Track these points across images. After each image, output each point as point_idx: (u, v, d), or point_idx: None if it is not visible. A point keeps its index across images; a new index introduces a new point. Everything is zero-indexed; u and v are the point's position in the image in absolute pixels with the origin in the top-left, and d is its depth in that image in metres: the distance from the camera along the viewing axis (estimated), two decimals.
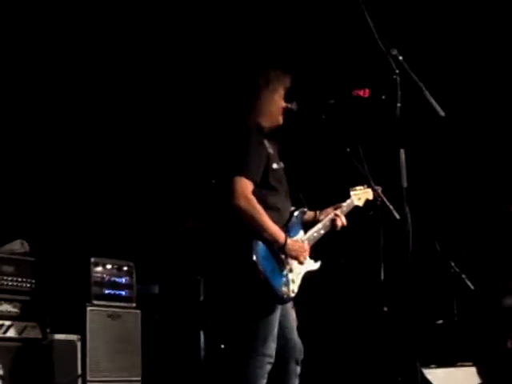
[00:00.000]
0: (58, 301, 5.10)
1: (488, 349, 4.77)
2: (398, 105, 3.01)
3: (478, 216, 5.92)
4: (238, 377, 3.59)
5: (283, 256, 3.67)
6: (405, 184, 2.98)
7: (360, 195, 4.14)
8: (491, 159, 5.95)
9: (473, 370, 4.77)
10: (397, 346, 4.69)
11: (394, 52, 3.04)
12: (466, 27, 5.74)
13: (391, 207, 3.94)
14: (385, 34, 3.05)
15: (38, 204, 5.73)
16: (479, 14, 5.68)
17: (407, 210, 2.96)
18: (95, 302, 5.21)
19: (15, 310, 4.87)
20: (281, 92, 3.83)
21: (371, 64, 3.34)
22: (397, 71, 3.04)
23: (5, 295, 4.83)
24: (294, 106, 3.84)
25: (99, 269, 5.33)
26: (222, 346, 5.30)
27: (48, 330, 4.95)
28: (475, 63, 5.85)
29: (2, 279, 4.84)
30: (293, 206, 3.90)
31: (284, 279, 3.67)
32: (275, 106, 3.82)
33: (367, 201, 4.13)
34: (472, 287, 5.10)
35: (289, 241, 3.66)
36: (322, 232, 3.92)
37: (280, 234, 3.64)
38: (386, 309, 3.97)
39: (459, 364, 4.87)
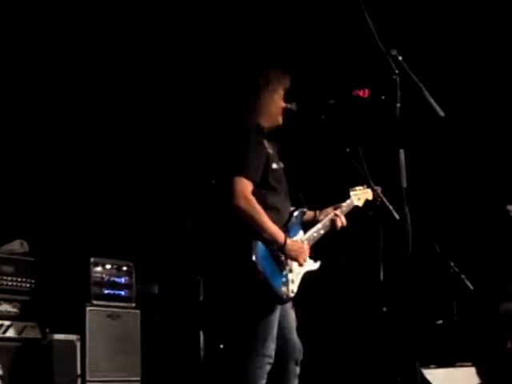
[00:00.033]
0: (57, 301, 5.10)
1: (487, 349, 4.77)
2: (398, 105, 3.01)
3: (477, 216, 5.92)
4: (238, 377, 3.59)
5: (283, 256, 3.67)
6: (404, 184, 2.99)
7: (360, 195, 4.14)
8: (491, 160, 5.95)
9: (472, 370, 4.77)
10: (396, 346, 4.69)
11: (394, 52, 3.04)
12: (465, 27, 5.74)
13: (391, 207, 3.94)
14: (384, 35, 3.05)
15: (38, 204, 5.73)
16: (479, 13, 5.68)
17: (407, 210, 2.96)
18: (95, 302, 5.21)
19: (15, 309, 4.87)
20: (280, 92, 3.83)
21: (371, 64, 3.34)
22: (396, 71, 3.04)
23: (4, 295, 4.83)
24: (293, 106, 3.84)
25: (99, 269, 5.33)
26: (221, 346, 5.30)
27: (47, 330, 4.95)
28: (475, 63, 5.85)
29: (2, 279, 4.84)
30: (292, 206, 3.90)
31: (283, 279, 3.67)
32: (275, 106, 3.82)
33: (367, 201, 4.13)
34: (471, 287, 5.10)
35: (288, 241, 3.66)
36: (322, 232, 3.92)
37: (280, 235, 3.64)
38: (385, 309, 3.97)
39: (459, 364, 4.87)
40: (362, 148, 3.76)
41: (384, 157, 3.23)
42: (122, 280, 5.44)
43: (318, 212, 4.02)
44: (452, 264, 5.15)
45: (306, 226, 3.93)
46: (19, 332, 4.83)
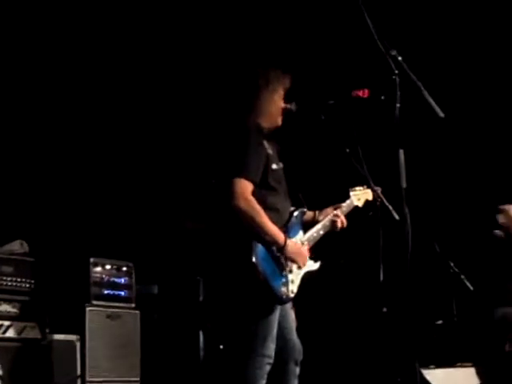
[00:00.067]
0: (57, 301, 5.10)
1: (486, 351, 4.77)
2: (397, 105, 3.01)
3: (477, 216, 5.92)
4: (238, 377, 3.59)
5: (283, 257, 3.67)
6: (404, 184, 2.99)
7: (360, 195, 4.14)
8: (491, 160, 5.95)
9: (472, 370, 4.77)
10: (396, 346, 4.69)
11: (393, 52, 3.04)
12: (465, 27, 5.74)
13: (390, 208, 3.94)
14: (384, 35, 3.05)
15: (38, 204, 5.73)
16: (479, 14, 5.68)
17: (406, 210, 2.96)
18: (94, 303, 5.21)
19: (14, 310, 4.87)
20: (280, 92, 3.83)
21: (370, 64, 3.34)
22: (396, 72, 3.04)
23: (4, 295, 4.83)
24: (293, 106, 3.84)
25: (98, 269, 5.33)
26: (221, 347, 5.30)
27: (47, 331, 4.95)
28: (475, 64, 5.85)
29: (2, 279, 4.84)
30: (292, 206, 3.90)
31: (283, 280, 3.67)
32: (275, 106, 3.82)
33: (367, 201, 4.13)
34: (471, 288, 5.09)
35: (288, 242, 3.66)
36: (322, 232, 3.92)
37: (280, 236, 3.64)
38: (385, 309, 3.97)
39: (458, 364, 4.87)
40: (361, 148, 3.76)
41: (384, 157, 3.23)
42: (122, 280, 5.44)
43: (317, 212, 4.02)
44: (452, 264, 5.15)
45: (306, 226, 3.93)
46: (19, 332, 4.83)
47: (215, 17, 5.87)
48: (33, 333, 4.89)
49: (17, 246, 5.11)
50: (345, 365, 6.15)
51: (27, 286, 4.95)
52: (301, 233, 3.86)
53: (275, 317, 3.63)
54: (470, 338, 5.11)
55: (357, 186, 4.14)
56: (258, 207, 3.57)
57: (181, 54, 6.07)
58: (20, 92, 5.67)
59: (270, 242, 3.60)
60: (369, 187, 4.07)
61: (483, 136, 5.95)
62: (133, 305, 5.45)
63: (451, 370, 4.81)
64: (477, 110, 5.93)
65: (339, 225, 3.97)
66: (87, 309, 5.14)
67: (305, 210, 3.96)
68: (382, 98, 3.36)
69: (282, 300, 3.66)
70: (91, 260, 5.29)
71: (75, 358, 5.02)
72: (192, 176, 5.96)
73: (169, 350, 5.63)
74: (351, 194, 4.13)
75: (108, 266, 5.38)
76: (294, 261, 3.69)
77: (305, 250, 3.78)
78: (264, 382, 3.60)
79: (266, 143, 3.75)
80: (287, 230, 3.75)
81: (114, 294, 5.36)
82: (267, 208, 3.63)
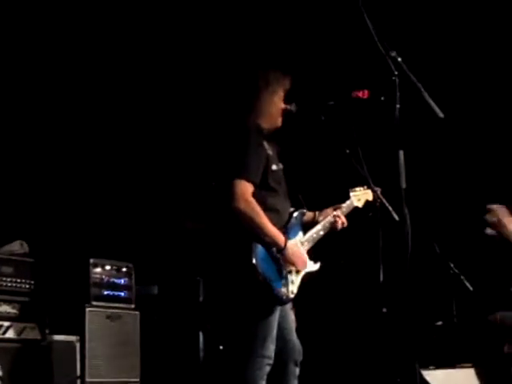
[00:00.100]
0: (57, 302, 5.09)
1: (485, 353, 4.76)
2: (397, 106, 3.01)
3: (477, 217, 5.91)
4: (237, 378, 3.59)
5: (282, 258, 3.66)
6: (404, 185, 2.99)
7: (360, 196, 4.14)
8: (491, 161, 5.95)
9: (472, 371, 4.77)
10: (396, 347, 4.69)
11: (393, 53, 3.04)
12: (465, 29, 5.75)
13: (390, 208, 3.95)
14: (384, 36, 3.05)
15: (38, 205, 5.73)
16: (478, 15, 5.69)
17: (406, 211, 2.96)
18: (94, 303, 5.21)
19: (14, 310, 4.86)
20: (280, 93, 3.83)
21: (370, 65, 3.34)
22: (396, 72, 3.04)
23: (4, 296, 4.82)
24: (293, 107, 3.85)
25: (98, 270, 5.32)
26: (221, 347, 5.30)
27: (47, 331, 4.95)
28: (474, 64, 5.85)
29: (1, 280, 4.84)
30: (292, 207, 3.90)
31: (283, 280, 3.67)
32: (275, 107, 3.83)
33: (367, 202, 4.13)
34: (471, 288, 5.09)
35: (289, 245, 3.66)
36: (322, 233, 3.93)
37: (280, 237, 3.64)
38: (385, 310, 3.97)
39: (458, 365, 4.87)
40: (361, 149, 3.77)
41: (383, 158, 3.23)
42: (122, 281, 5.44)
43: (317, 213, 4.02)
44: (452, 265, 5.15)
45: (306, 226, 3.93)
46: (19, 333, 4.83)
47: (215, 18, 5.87)
48: (32, 333, 4.89)
49: (17, 247, 5.11)
50: (345, 365, 6.15)
51: (27, 286, 4.95)
52: (300, 233, 3.86)
53: (275, 317, 3.63)
54: (469, 339, 5.11)
55: (357, 186, 4.14)
56: (258, 209, 3.57)
57: (181, 54, 6.07)
58: (20, 92, 5.67)
59: (269, 244, 3.61)
60: (369, 187, 4.07)
61: (483, 137, 5.95)
62: (132, 305, 5.45)
63: (451, 371, 4.81)
64: (476, 111, 5.93)
65: (339, 225, 3.98)
66: (87, 309, 5.14)
67: (304, 210, 3.96)
68: (382, 98, 3.36)
69: (281, 301, 3.66)
70: (91, 261, 5.29)
71: (75, 358, 5.02)
72: (192, 176, 5.96)
73: (169, 351, 5.62)
74: (351, 194, 4.13)
75: (108, 267, 5.38)
76: (292, 264, 3.68)
77: (305, 254, 3.78)
78: (264, 382, 3.61)
79: (266, 144, 3.75)
80: (287, 231, 3.75)
81: (113, 294, 5.36)
82: (267, 209, 3.63)
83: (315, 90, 4.66)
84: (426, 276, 5.23)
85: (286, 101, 3.84)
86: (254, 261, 3.54)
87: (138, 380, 5.31)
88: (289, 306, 3.81)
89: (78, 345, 5.04)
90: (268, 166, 3.71)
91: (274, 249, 3.63)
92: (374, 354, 5.67)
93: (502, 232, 3.89)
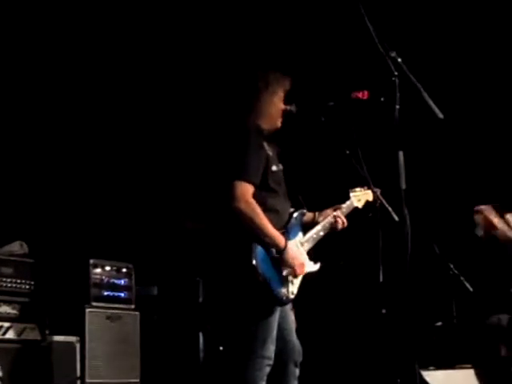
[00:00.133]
0: (57, 302, 5.10)
1: (483, 355, 4.76)
2: (397, 107, 3.01)
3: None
4: (237, 379, 3.59)
5: (282, 259, 3.66)
6: (403, 186, 2.99)
7: (360, 196, 4.14)
8: (490, 161, 5.95)
9: (472, 372, 4.76)
10: (396, 348, 4.68)
11: (393, 54, 3.04)
12: (465, 30, 5.75)
13: (390, 209, 3.95)
14: (383, 37, 3.06)
15: (38, 205, 5.73)
16: (478, 16, 5.69)
17: (406, 211, 2.96)
18: (94, 304, 5.21)
19: (14, 311, 4.87)
20: (280, 94, 3.83)
21: (370, 66, 3.34)
22: (395, 73, 3.04)
23: (4, 297, 4.83)
24: (293, 108, 3.85)
25: (98, 270, 5.33)
26: (221, 348, 5.30)
27: (47, 332, 4.95)
28: (474, 65, 5.85)
29: (1, 281, 4.84)
30: (292, 207, 3.90)
31: (283, 281, 3.67)
32: (275, 108, 3.83)
33: (367, 202, 4.13)
34: (471, 289, 5.09)
35: (289, 246, 3.65)
36: (322, 234, 3.93)
37: (280, 238, 3.64)
38: (384, 311, 3.97)
39: (458, 366, 4.87)
40: (361, 150, 3.77)
41: (383, 158, 3.23)
42: (122, 282, 5.44)
43: (317, 213, 4.02)
44: (451, 266, 5.15)
45: (306, 227, 3.93)
46: (19, 334, 4.83)
47: (216, 19, 5.87)
48: (32, 334, 4.89)
49: (16, 247, 5.11)
50: (344, 366, 6.15)
51: (27, 287, 4.95)
52: (300, 234, 3.86)
53: (275, 318, 3.63)
54: (469, 340, 5.11)
55: (357, 186, 4.14)
56: (258, 210, 3.57)
57: (181, 55, 6.07)
58: (20, 92, 5.67)
59: (269, 244, 3.60)
60: (369, 188, 4.07)
61: (483, 137, 5.96)
62: (132, 306, 5.45)
63: (451, 372, 4.81)
64: (476, 112, 5.93)
65: (339, 225, 3.97)
66: (87, 310, 5.14)
67: (304, 211, 3.96)
68: (382, 99, 3.36)
69: (281, 301, 3.66)
70: (91, 261, 5.29)
71: (75, 359, 5.02)
72: (192, 177, 5.96)
73: (169, 352, 5.62)
74: (351, 194, 4.13)
75: (108, 268, 5.38)
76: (290, 268, 3.67)
77: (305, 256, 3.78)
78: (264, 383, 3.60)
79: (265, 145, 3.75)
80: (287, 232, 3.75)
81: (113, 295, 5.36)
82: (267, 209, 3.64)
83: (315, 90, 4.67)
84: (425, 277, 5.23)
85: (286, 102, 3.84)
86: (253, 261, 3.54)
87: (137, 381, 5.31)
88: (289, 306, 3.81)
89: (77, 345, 5.04)
90: (268, 167, 3.71)
91: (274, 250, 3.62)
92: (373, 354, 5.67)
93: (492, 233, 3.88)
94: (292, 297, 3.72)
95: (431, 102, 3.08)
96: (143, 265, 5.67)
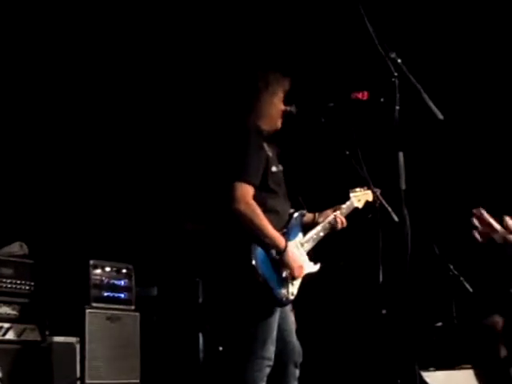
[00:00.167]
0: (56, 303, 5.10)
1: (483, 356, 4.76)
2: (397, 107, 3.01)
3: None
4: (237, 380, 3.59)
5: (281, 260, 3.66)
6: (403, 186, 2.99)
7: (360, 197, 4.14)
8: (490, 162, 5.95)
9: (472, 372, 4.76)
10: (396, 348, 4.68)
11: (393, 55, 3.04)
12: (464, 30, 5.75)
13: (390, 210, 3.95)
14: (383, 37, 3.06)
15: (37, 206, 5.73)
16: (478, 17, 5.69)
17: (406, 212, 2.96)
18: (94, 305, 5.21)
19: (14, 312, 4.87)
20: (280, 95, 3.83)
21: (370, 67, 3.34)
22: (395, 74, 3.04)
23: (4, 297, 4.83)
24: (293, 108, 3.85)
25: (98, 271, 5.33)
26: (221, 349, 5.30)
27: (47, 333, 4.95)
28: (474, 66, 5.85)
29: (1, 281, 4.84)
30: (292, 208, 3.90)
31: (283, 282, 3.67)
32: (275, 108, 3.83)
33: (367, 202, 4.13)
34: (471, 290, 5.09)
35: (289, 248, 3.65)
36: (322, 234, 3.93)
37: (280, 239, 3.63)
38: (384, 311, 3.97)
39: (458, 367, 4.87)
40: (361, 150, 3.77)
41: (383, 159, 3.24)
42: (122, 282, 5.44)
43: (317, 214, 4.02)
44: (451, 266, 5.15)
45: (306, 228, 3.93)
46: (19, 334, 4.83)
47: (216, 19, 5.88)
48: (32, 335, 4.89)
49: (16, 248, 5.11)
50: (344, 367, 6.15)
51: (27, 288, 4.95)
52: (300, 235, 3.86)
53: (275, 319, 3.63)
54: (468, 340, 5.11)
55: (357, 187, 4.14)
56: (258, 211, 3.57)
57: (181, 56, 6.07)
58: (20, 92, 5.67)
59: (270, 245, 3.60)
60: (369, 188, 4.08)
61: (483, 138, 5.96)
62: (132, 307, 5.45)
63: (451, 372, 4.81)
64: (476, 112, 5.93)
65: (339, 225, 3.98)
66: (87, 311, 5.14)
67: (304, 211, 3.96)
68: (382, 100, 3.36)
69: (281, 302, 3.66)
70: (91, 262, 5.29)
71: (75, 360, 5.02)
72: (192, 178, 5.96)
73: (168, 352, 5.62)
74: (351, 195, 4.13)
75: (108, 268, 5.38)
76: (289, 269, 3.67)
77: (304, 257, 3.78)
78: None
79: (265, 146, 3.75)
80: (287, 232, 3.75)
81: (113, 296, 5.36)
82: (267, 210, 3.64)
83: (315, 91, 4.67)
84: (425, 277, 5.23)
85: (286, 102, 3.84)
86: (253, 262, 3.54)
87: (137, 381, 5.31)
88: (289, 307, 3.81)
89: (77, 346, 5.04)
90: (268, 168, 3.71)
91: (274, 251, 3.62)
92: (373, 355, 5.67)
93: (491, 235, 3.86)
94: (292, 298, 3.72)
95: (431, 103, 3.08)
96: (143, 266, 5.67)
